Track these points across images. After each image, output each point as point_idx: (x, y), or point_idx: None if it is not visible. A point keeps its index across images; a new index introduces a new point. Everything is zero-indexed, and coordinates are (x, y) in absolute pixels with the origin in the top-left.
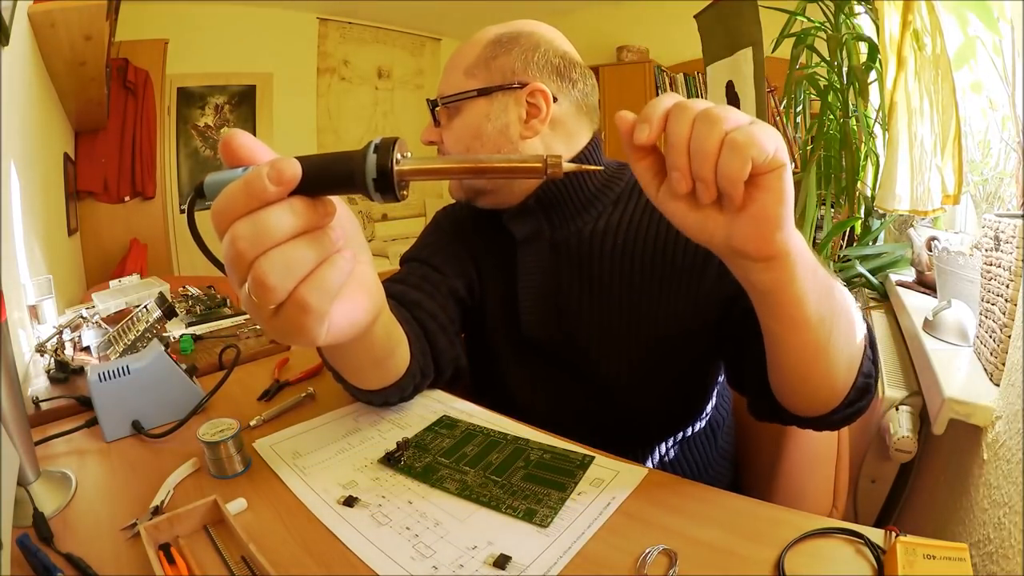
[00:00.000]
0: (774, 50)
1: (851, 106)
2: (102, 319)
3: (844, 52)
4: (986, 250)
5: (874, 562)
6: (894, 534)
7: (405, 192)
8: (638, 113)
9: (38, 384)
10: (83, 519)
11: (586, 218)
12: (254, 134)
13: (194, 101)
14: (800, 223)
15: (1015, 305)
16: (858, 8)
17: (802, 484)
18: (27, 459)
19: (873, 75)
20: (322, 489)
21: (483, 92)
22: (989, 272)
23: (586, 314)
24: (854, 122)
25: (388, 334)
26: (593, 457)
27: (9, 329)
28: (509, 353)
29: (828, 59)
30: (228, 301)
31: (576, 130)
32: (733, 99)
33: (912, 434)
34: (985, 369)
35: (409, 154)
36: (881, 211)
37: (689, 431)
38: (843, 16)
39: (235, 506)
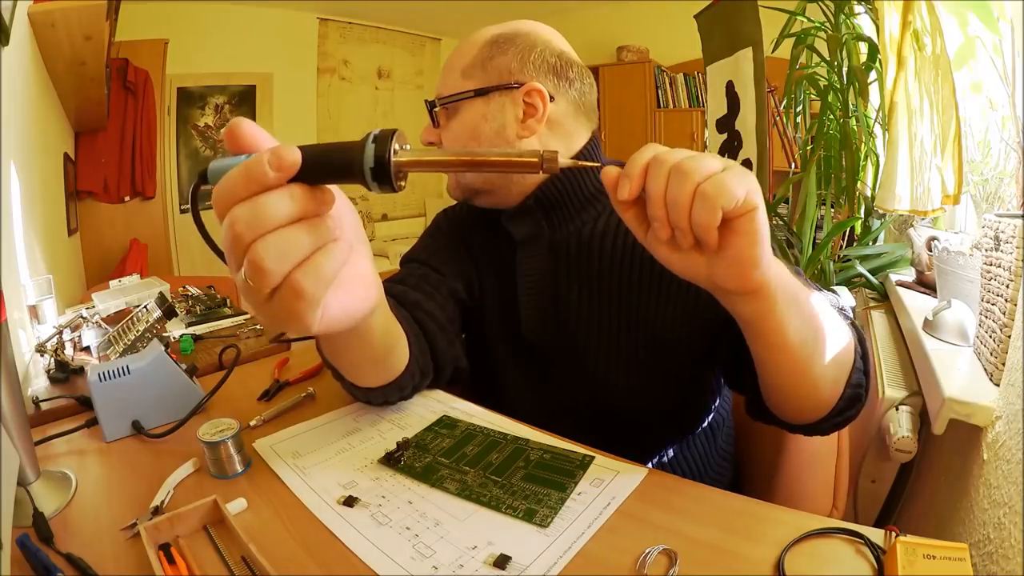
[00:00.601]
0: (774, 50)
1: (851, 106)
2: (102, 319)
3: (844, 52)
4: (986, 250)
5: (874, 562)
6: (894, 534)
7: (403, 183)
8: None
9: (38, 384)
10: (83, 519)
11: (585, 218)
12: None
13: (194, 101)
14: (800, 223)
15: (1015, 305)
16: (858, 8)
17: (802, 484)
18: (27, 459)
19: (873, 75)
20: (322, 489)
21: (480, 92)
22: (989, 272)
23: (585, 315)
24: (854, 122)
25: (386, 331)
26: (593, 457)
27: (9, 329)
28: (507, 354)
29: (828, 59)
30: (228, 301)
31: (574, 130)
32: (733, 99)
33: (912, 434)
34: (985, 369)
35: (408, 146)
36: (881, 211)
37: (688, 431)
38: (843, 16)
39: (235, 506)
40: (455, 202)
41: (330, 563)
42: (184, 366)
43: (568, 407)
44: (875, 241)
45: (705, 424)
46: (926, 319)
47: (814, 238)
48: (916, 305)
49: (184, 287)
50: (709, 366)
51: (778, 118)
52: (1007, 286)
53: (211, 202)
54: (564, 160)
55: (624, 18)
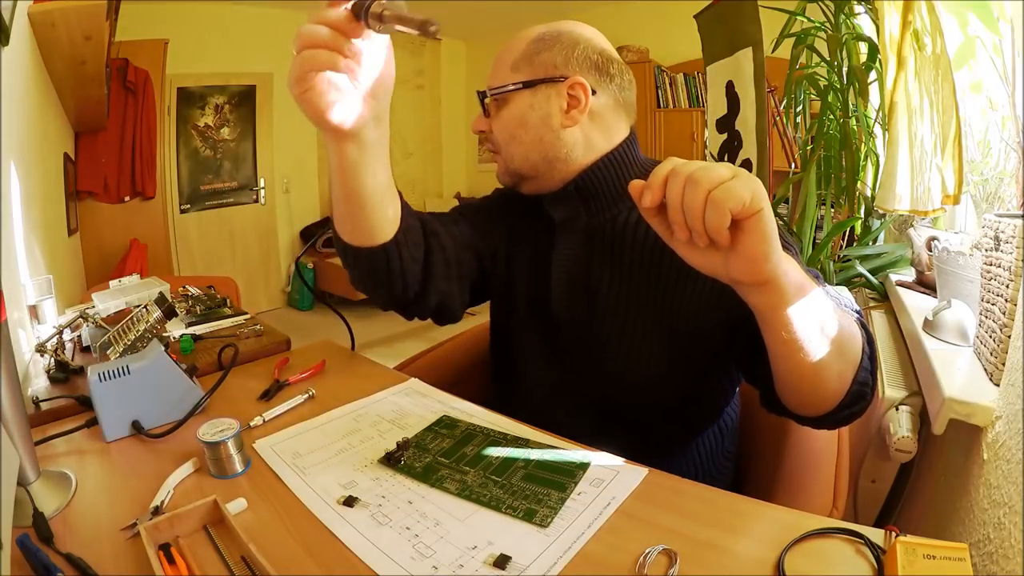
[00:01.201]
0: (774, 50)
1: (851, 106)
2: (102, 319)
3: (844, 52)
4: (986, 250)
5: (874, 562)
6: (894, 534)
7: (377, 26)
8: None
9: (38, 384)
10: (83, 519)
11: (620, 208)
12: (254, 134)
13: (194, 101)
14: (800, 223)
15: (1015, 305)
16: (858, 8)
17: (802, 484)
18: (27, 459)
19: (873, 75)
20: (322, 489)
21: (528, 84)
22: (989, 272)
23: (614, 298)
24: (854, 122)
25: (378, 177)
26: (593, 457)
27: (9, 329)
28: (532, 333)
29: (828, 59)
30: (228, 301)
31: (614, 123)
32: (733, 99)
33: (912, 434)
34: (985, 369)
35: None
36: (881, 211)
37: (699, 428)
38: (843, 16)
39: (235, 506)
40: (452, 201)
41: (330, 563)
42: (184, 366)
43: (585, 392)
44: (875, 241)
45: (715, 423)
46: (926, 319)
47: (814, 238)
48: (916, 305)
49: (184, 287)
50: (726, 361)
51: (778, 118)
52: (1007, 286)
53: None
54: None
55: (624, 18)
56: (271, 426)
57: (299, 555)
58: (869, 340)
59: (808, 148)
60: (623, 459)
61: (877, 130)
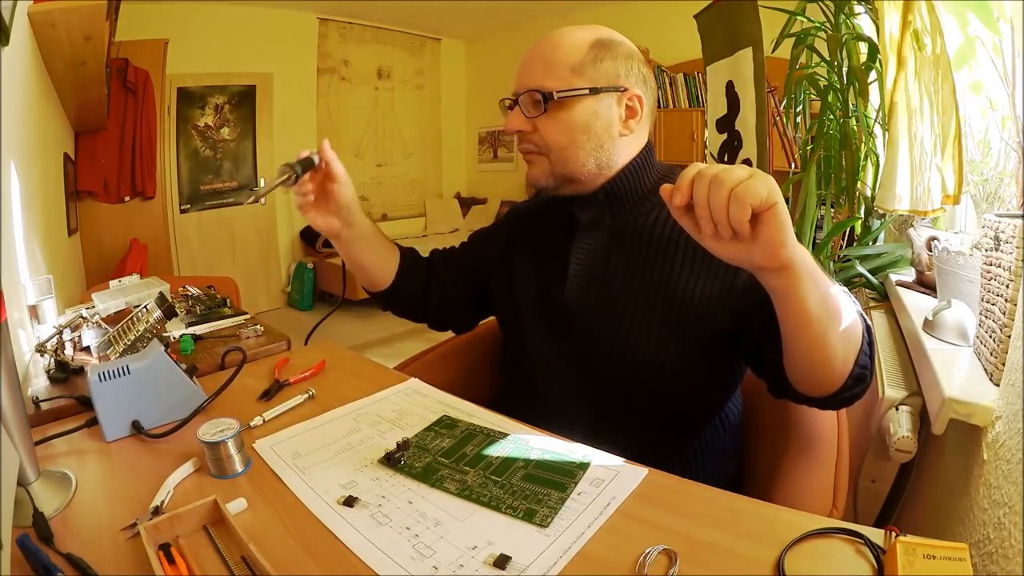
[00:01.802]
0: (774, 50)
1: (851, 106)
2: (102, 319)
3: (844, 52)
4: (986, 250)
5: (874, 562)
6: (894, 534)
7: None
8: None
9: (38, 384)
10: (83, 519)
11: (641, 211)
12: (254, 134)
13: (194, 101)
14: (800, 223)
15: (1015, 305)
16: (858, 8)
17: (802, 484)
18: (27, 459)
19: (873, 75)
20: (322, 489)
21: (594, 91)
22: (989, 272)
23: (627, 289)
24: (854, 122)
25: (371, 247)
26: (593, 457)
27: (9, 329)
28: (542, 326)
29: (828, 59)
30: (228, 301)
31: (643, 132)
32: (733, 99)
33: (912, 434)
34: (985, 369)
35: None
36: (881, 211)
37: (701, 421)
38: (843, 16)
39: (235, 506)
40: (452, 201)
41: (330, 563)
42: (184, 366)
43: (591, 379)
44: (875, 241)
45: (716, 417)
46: (926, 319)
47: (814, 238)
48: (916, 305)
49: (184, 287)
50: (730, 354)
51: (778, 118)
52: (1007, 286)
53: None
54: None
55: (624, 18)
56: (271, 426)
57: (299, 555)
58: (868, 329)
59: (808, 148)
60: (623, 459)
61: (877, 130)
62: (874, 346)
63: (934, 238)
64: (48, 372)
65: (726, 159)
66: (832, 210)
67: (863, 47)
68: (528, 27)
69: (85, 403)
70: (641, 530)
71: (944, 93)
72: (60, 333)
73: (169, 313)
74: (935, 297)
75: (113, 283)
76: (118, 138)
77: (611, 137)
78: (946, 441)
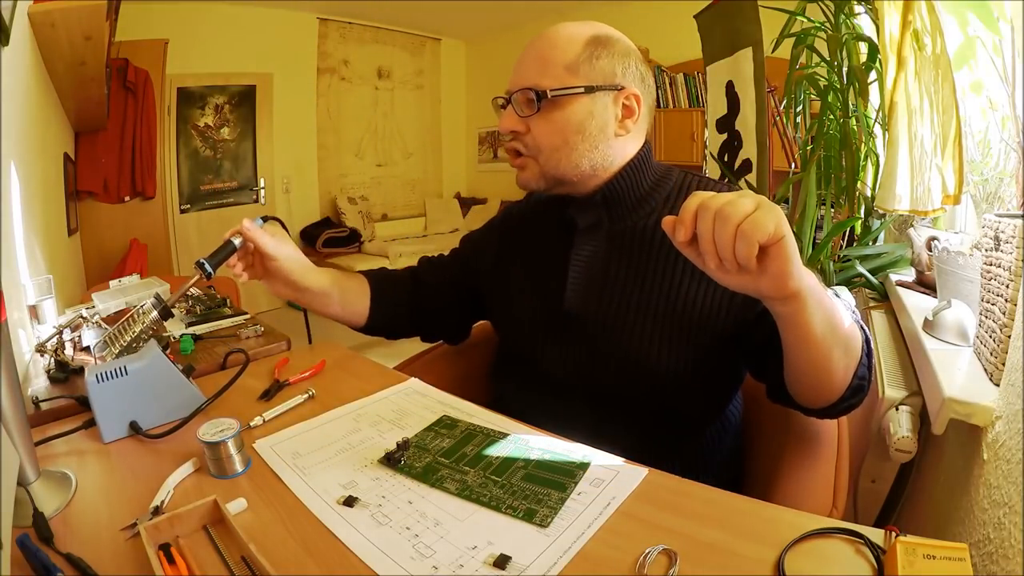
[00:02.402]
0: (774, 50)
1: (851, 106)
2: (102, 319)
3: (844, 52)
4: (986, 250)
5: (874, 562)
6: (894, 534)
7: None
8: None
9: (38, 384)
10: (83, 519)
11: (640, 214)
12: (254, 134)
13: (194, 101)
14: (800, 223)
15: (1015, 305)
16: (858, 8)
17: (802, 484)
18: (27, 459)
19: (873, 75)
20: (322, 489)
21: (589, 90)
22: (989, 272)
23: (628, 294)
24: (854, 122)
25: (333, 300)
26: (593, 457)
27: (9, 329)
28: (543, 328)
29: (828, 59)
30: (228, 301)
31: (641, 132)
32: (733, 99)
33: (912, 434)
34: (985, 369)
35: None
36: (881, 211)
37: (702, 424)
38: (843, 16)
39: (235, 506)
40: (452, 201)
41: (330, 563)
42: (181, 366)
43: (592, 384)
44: (875, 241)
45: (718, 420)
46: (926, 319)
47: (814, 238)
48: (916, 305)
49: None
50: (732, 359)
51: (778, 118)
52: (1007, 286)
53: None
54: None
55: (624, 18)
56: (271, 426)
57: (299, 555)
58: (867, 339)
59: (808, 148)
60: (623, 459)
61: (877, 130)
62: (872, 356)
63: (934, 238)
64: (48, 372)
65: (726, 159)
66: (832, 210)
67: (863, 47)
68: (528, 27)
69: (85, 403)
70: (641, 530)
71: (944, 93)
72: (60, 333)
73: (165, 314)
74: (935, 297)
75: (113, 283)
76: (118, 138)
77: (607, 137)
78: (946, 441)
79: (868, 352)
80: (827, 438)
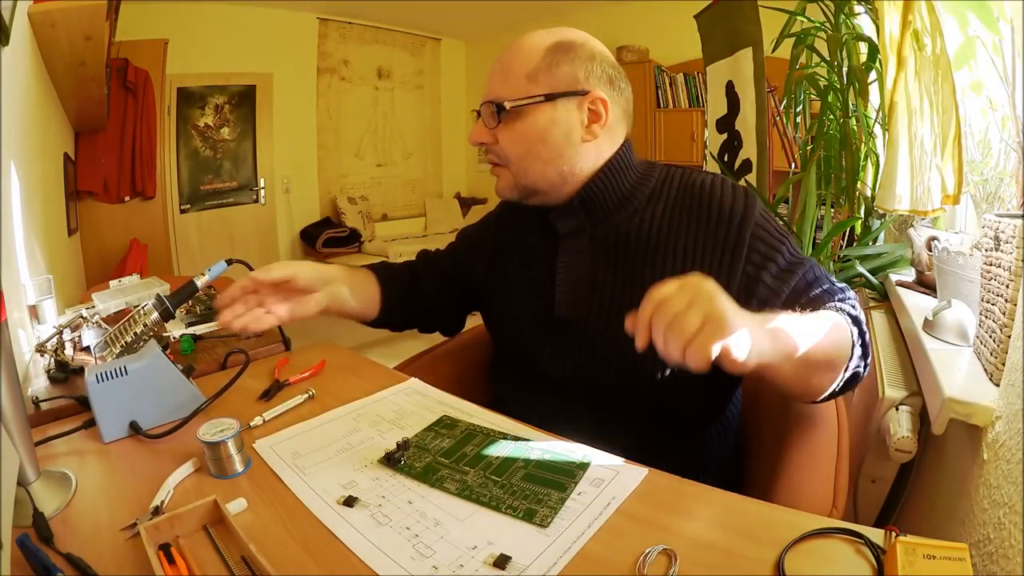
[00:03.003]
0: (774, 50)
1: (851, 106)
2: (102, 319)
3: (844, 52)
4: (986, 250)
5: (874, 562)
6: (894, 534)
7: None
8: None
9: (38, 384)
10: (83, 519)
11: (623, 215)
12: (254, 134)
13: (194, 101)
14: (800, 223)
15: (1015, 305)
16: (858, 8)
17: (802, 484)
18: (27, 459)
19: (873, 75)
20: (322, 489)
21: (550, 98)
22: (989, 272)
23: (618, 299)
24: (854, 122)
25: (350, 300)
26: (593, 457)
27: (9, 329)
28: (538, 332)
29: (828, 59)
30: None
31: (618, 134)
32: (733, 99)
33: (912, 434)
34: (985, 369)
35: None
36: (881, 211)
37: (702, 426)
38: (843, 16)
39: (235, 506)
40: (452, 201)
41: (330, 563)
42: (181, 366)
43: (589, 389)
44: (875, 241)
45: (718, 420)
46: (926, 319)
47: (814, 238)
48: (916, 305)
49: None
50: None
51: (778, 118)
52: (1007, 286)
53: None
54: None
55: (624, 18)
56: (271, 426)
57: (299, 555)
58: (860, 331)
59: (808, 148)
60: (623, 459)
61: (877, 130)
62: (865, 336)
63: (934, 238)
64: (48, 372)
65: (726, 159)
66: (832, 210)
67: (863, 47)
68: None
69: (85, 403)
70: (641, 530)
71: (944, 93)
72: (60, 333)
73: (166, 315)
74: (935, 297)
75: (113, 283)
76: (118, 138)
77: (572, 144)
78: (946, 441)
79: (862, 343)
80: (827, 438)
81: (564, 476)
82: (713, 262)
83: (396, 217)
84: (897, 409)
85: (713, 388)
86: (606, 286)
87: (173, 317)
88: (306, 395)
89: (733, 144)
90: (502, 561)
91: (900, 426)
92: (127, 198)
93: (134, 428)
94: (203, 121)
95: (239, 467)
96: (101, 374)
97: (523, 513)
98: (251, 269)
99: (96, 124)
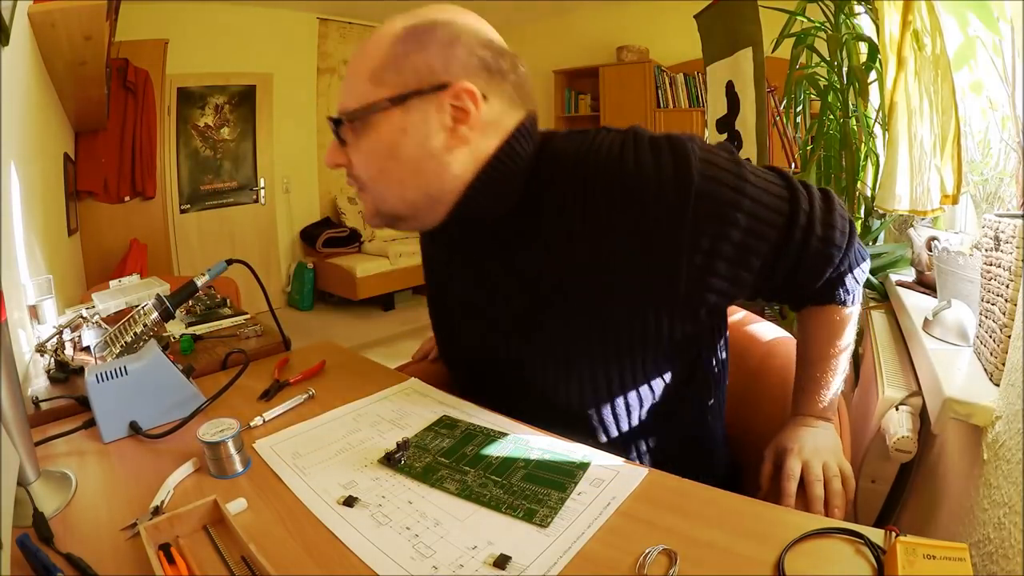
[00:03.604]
0: (774, 50)
1: (851, 106)
2: (102, 319)
3: (844, 52)
4: (986, 250)
5: (874, 562)
6: (894, 534)
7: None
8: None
9: (38, 384)
10: (83, 519)
11: (523, 211)
12: (254, 134)
13: (194, 101)
14: None
15: (1015, 305)
16: (858, 8)
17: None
18: (27, 459)
19: (873, 75)
20: (322, 489)
21: (396, 101)
22: (989, 272)
23: (554, 335)
24: (854, 122)
25: None
26: (593, 457)
27: (9, 329)
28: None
29: (828, 59)
30: (228, 301)
31: (508, 123)
32: (733, 99)
33: (912, 434)
34: (985, 369)
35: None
36: (881, 211)
37: (679, 423)
38: (843, 16)
39: (235, 506)
40: None
41: (330, 563)
42: (181, 367)
43: (554, 410)
44: (875, 241)
45: (698, 411)
46: (926, 319)
47: None
48: (916, 305)
49: None
50: (672, 363)
51: (778, 118)
52: (1007, 286)
53: None
54: None
55: (624, 18)
56: (271, 426)
57: (299, 555)
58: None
59: (808, 148)
60: (623, 459)
61: (877, 130)
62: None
63: (934, 238)
64: (48, 372)
65: None
66: None
67: (863, 47)
68: (528, 27)
69: (85, 403)
70: (641, 530)
71: (944, 93)
72: (60, 333)
73: (166, 315)
74: (935, 297)
75: (113, 283)
76: (118, 138)
77: (431, 155)
78: (946, 441)
79: (857, 291)
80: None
81: (564, 476)
82: (637, 264)
83: None
84: (897, 409)
85: (686, 382)
86: (502, 315)
87: (173, 317)
88: (306, 395)
89: (733, 144)
90: (502, 561)
91: (900, 426)
92: (127, 198)
93: (134, 428)
94: (203, 121)
95: (239, 467)
96: (101, 374)
97: (523, 513)
98: (251, 269)
99: (96, 124)
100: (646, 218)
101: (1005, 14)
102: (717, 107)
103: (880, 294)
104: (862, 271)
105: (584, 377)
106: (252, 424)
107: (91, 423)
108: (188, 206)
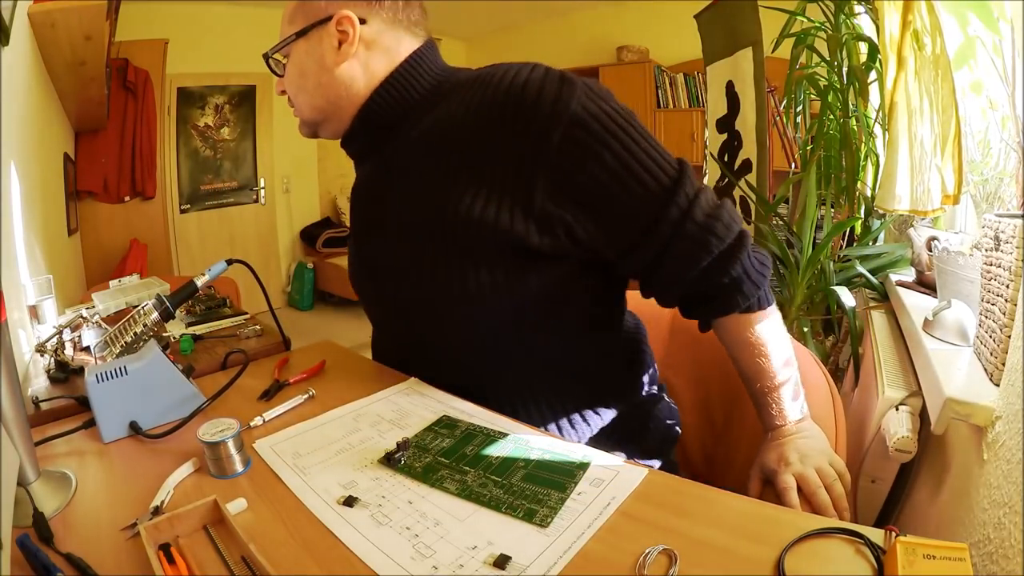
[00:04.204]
0: (774, 50)
1: (851, 106)
2: (102, 319)
3: (844, 52)
4: (986, 250)
5: (874, 562)
6: (894, 534)
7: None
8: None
9: (38, 384)
10: (83, 519)
11: (412, 121)
12: (254, 134)
13: (194, 101)
14: (800, 223)
15: (1015, 305)
16: (858, 8)
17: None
18: (27, 459)
19: (873, 75)
20: (322, 489)
21: (300, 34)
22: (989, 272)
23: (404, 216)
24: (854, 122)
25: None
26: (593, 457)
27: (9, 329)
28: (356, 269)
29: (828, 59)
30: (228, 301)
31: (395, 45)
32: (733, 99)
33: (912, 434)
34: (985, 369)
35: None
36: (881, 211)
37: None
38: (843, 16)
39: (235, 506)
40: None
41: (330, 563)
42: (181, 366)
43: (407, 336)
44: (875, 241)
45: (562, 366)
46: (926, 319)
47: (814, 238)
48: (916, 305)
49: None
50: (553, 300)
51: (778, 118)
52: (1007, 286)
53: None
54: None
55: (624, 18)
56: (271, 426)
57: (299, 555)
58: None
59: (808, 148)
60: (624, 458)
61: (877, 130)
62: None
63: (934, 238)
64: (48, 372)
65: (726, 159)
66: (832, 210)
67: (863, 47)
68: (528, 27)
69: (85, 403)
70: (641, 530)
71: (944, 93)
72: (60, 333)
73: (166, 315)
74: (935, 297)
75: (113, 283)
76: (118, 138)
77: (326, 70)
78: (946, 441)
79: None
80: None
81: (564, 476)
82: (507, 173)
83: None
84: (897, 409)
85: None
86: (385, 205)
87: (173, 317)
88: (306, 395)
89: (733, 144)
90: (502, 561)
91: (900, 426)
92: (127, 198)
93: (134, 428)
94: (203, 121)
95: (239, 467)
96: (101, 374)
97: (523, 513)
98: (251, 269)
99: (96, 124)
100: (519, 123)
101: (1005, 14)
102: (717, 107)
103: (880, 294)
104: (762, 276)
105: (452, 288)
106: (252, 424)
107: (91, 423)
108: (188, 206)
